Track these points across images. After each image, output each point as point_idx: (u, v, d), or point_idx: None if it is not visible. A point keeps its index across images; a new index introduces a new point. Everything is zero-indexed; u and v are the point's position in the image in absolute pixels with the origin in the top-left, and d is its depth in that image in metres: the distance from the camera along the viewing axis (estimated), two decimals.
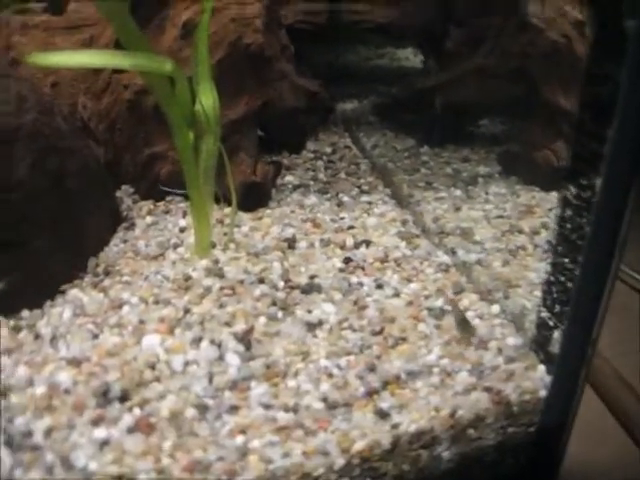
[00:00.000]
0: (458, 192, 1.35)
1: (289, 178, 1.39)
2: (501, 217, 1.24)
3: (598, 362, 1.08)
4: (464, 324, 0.91)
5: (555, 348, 0.83)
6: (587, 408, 0.86)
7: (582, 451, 0.92)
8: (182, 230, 1.18)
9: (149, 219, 1.21)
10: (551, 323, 0.83)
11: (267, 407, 0.75)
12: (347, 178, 1.41)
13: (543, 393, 0.79)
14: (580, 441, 0.89)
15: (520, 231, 1.19)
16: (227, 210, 1.20)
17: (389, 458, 0.78)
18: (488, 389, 0.79)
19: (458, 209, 1.24)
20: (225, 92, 1.07)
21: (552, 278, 0.81)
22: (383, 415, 0.77)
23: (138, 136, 1.25)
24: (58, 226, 1.00)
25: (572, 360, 0.81)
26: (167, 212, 1.24)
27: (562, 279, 0.80)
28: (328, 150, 1.54)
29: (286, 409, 0.75)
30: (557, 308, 0.81)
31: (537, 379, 0.81)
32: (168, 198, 1.27)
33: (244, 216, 1.21)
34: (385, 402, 0.79)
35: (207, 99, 1.03)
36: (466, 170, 1.45)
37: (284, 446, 0.71)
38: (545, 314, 0.84)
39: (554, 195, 1.33)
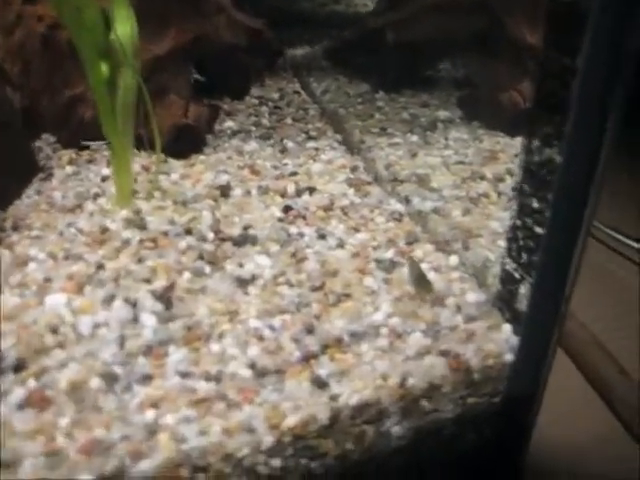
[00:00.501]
0: (415, 138, 1.24)
1: (229, 124, 1.27)
2: (462, 163, 1.14)
3: (574, 327, 0.99)
4: (420, 279, 0.81)
5: (522, 305, 0.73)
6: (561, 377, 0.78)
7: (554, 425, 0.84)
8: (105, 179, 1.06)
9: (69, 169, 1.09)
10: (517, 275, 0.71)
11: (185, 375, 0.68)
12: (293, 124, 1.30)
13: (509, 357, 0.73)
14: (553, 414, 0.81)
15: (482, 178, 1.08)
16: (154, 160, 1.06)
17: (328, 435, 0.68)
18: (445, 353, 0.72)
19: (414, 155, 1.16)
20: (148, 23, 0.95)
21: (518, 222, 0.69)
22: (321, 384, 0.69)
23: (56, 77, 1.12)
24: None
25: (542, 319, 0.71)
26: (91, 161, 1.12)
27: (529, 224, 0.68)
28: (275, 96, 1.44)
29: (207, 378, 0.68)
30: (524, 258, 0.70)
31: (502, 341, 0.74)
32: (94, 146, 1.15)
33: (175, 163, 1.10)
34: (324, 369, 0.71)
35: (123, 27, 0.90)
36: (424, 115, 1.34)
37: (201, 422, 0.63)
38: (510, 265, 0.73)
39: (520, 140, 1.17)
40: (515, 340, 0.73)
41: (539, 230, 0.68)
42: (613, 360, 0.94)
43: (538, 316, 0.70)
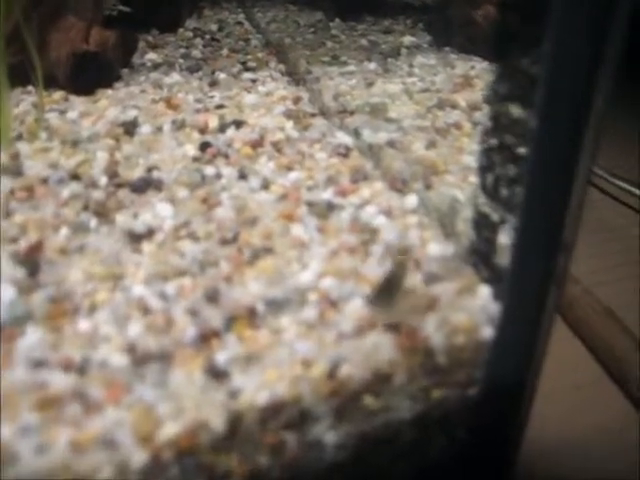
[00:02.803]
0: (373, 65, 1.06)
1: (151, 56, 1.10)
2: (427, 91, 0.96)
3: (575, 292, 0.82)
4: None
5: (505, 258, 0.53)
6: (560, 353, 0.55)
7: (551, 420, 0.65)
8: None
9: None
10: (495, 218, 0.48)
11: (37, 365, 0.51)
12: (230, 55, 1.13)
13: (488, 332, 0.54)
14: (548, 404, 0.61)
15: (454, 106, 0.89)
16: (57, 95, 0.88)
17: (230, 448, 0.49)
18: (394, 327, 0.53)
19: (370, 84, 0.97)
20: None
21: (493, 141, 0.47)
22: (218, 374, 0.50)
23: None
24: None
25: (533, 276, 0.52)
26: None
27: (509, 141, 0.46)
28: (213, 27, 1.29)
29: (67, 367, 0.51)
30: (503, 192, 0.47)
31: (477, 309, 0.56)
32: None
33: (76, 100, 0.92)
34: (225, 352, 0.52)
35: None
36: (386, 42, 1.13)
37: (45, 433, 0.47)
38: (486, 204, 0.49)
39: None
40: (496, 308, 0.55)
41: (523, 150, 0.45)
42: (625, 328, 0.72)
43: (527, 272, 0.50)
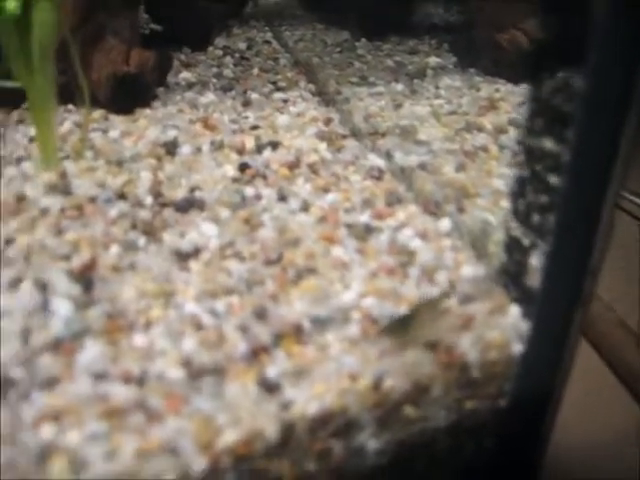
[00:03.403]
0: (400, 87, 1.09)
1: (185, 75, 1.13)
2: (455, 113, 0.99)
3: (598, 309, 0.84)
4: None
5: (534, 280, 0.58)
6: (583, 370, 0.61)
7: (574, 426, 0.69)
8: (32, 140, 0.89)
9: None
10: (526, 242, 0.52)
11: (98, 378, 0.54)
12: (260, 75, 1.16)
13: (518, 348, 0.58)
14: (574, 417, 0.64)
15: (480, 129, 0.92)
16: (96, 114, 0.93)
17: (282, 454, 0.53)
18: (433, 344, 0.57)
19: (399, 106, 1.01)
20: None
21: (525, 172, 0.51)
22: (270, 387, 0.54)
23: None
24: None
25: (561, 297, 0.56)
26: (21, 121, 0.96)
27: (541, 172, 0.50)
28: (242, 46, 1.31)
29: (126, 380, 0.54)
30: (535, 219, 0.51)
31: (508, 327, 0.60)
32: (24, 105, 0.98)
33: (116, 119, 0.95)
34: (276, 366, 0.56)
35: None
36: (412, 63, 1.18)
37: (112, 440, 0.50)
38: (517, 229, 0.55)
39: (524, 88, 1.04)
40: (525, 326, 0.59)
41: (554, 180, 0.49)
42: None
43: (555, 294, 0.54)
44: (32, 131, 0.90)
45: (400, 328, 0.58)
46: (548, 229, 0.55)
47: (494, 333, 0.58)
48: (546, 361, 0.57)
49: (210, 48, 1.27)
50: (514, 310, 0.60)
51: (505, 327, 0.59)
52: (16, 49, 0.76)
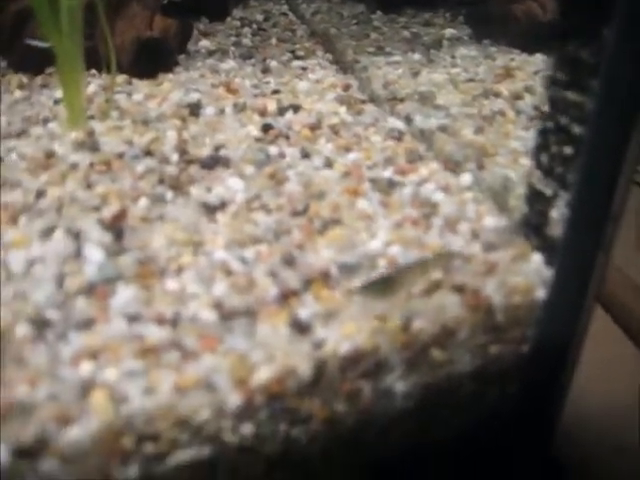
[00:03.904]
0: (417, 56, 1.11)
1: (204, 43, 1.15)
2: (472, 81, 1.01)
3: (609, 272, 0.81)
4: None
5: (555, 229, 0.59)
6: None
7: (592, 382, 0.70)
8: (57, 102, 0.91)
9: (19, 93, 0.96)
10: (549, 192, 0.54)
11: (133, 319, 0.56)
12: (278, 44, 1.18)
13: (540, 293, 0.59)
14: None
15: (497, 95, 0.95)
16: (119, 79, 0.96)
17: (313, 394, 0.55)
18: (459, 288, 0.59)
19: (416, 74, 1.03)
20: None
21: (549, 124, 0.52)
22: (302, 328, 0.55)
23: None
24: None
25: (584, 243, 0.57)
26: (45, 85, 0.98)
27: (565, 123, 0.51)
28: (259, 17, 1.33)
29: (160, 322, 0.56)
30: (558, 169, 0.54)
31: (531, 273, 0.61)
32: (49, 70, 1.01)
33: (140, 83, 0.97)
34: (306, 309, 0.57)
35: None
36: (428, 34, 1.20)
37: (149, 377, 0.51)
38: (539, 180, 0.57)
39: (539, 57, 1.11)
40: (547, 272, 0.60)
41: (578, 130, 0.51)
42: None
43: (578, 240, 0.56)
44: (57, 94, 0.92)
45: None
46: (570, 180, 0.56)
47: (517, 279, 0.60)
48: (568, 307, 0.58)
49: (228, 19, 1.29)
50: (536, 258, 0.62)
51: (528, 273, 0.61)
52: (47, 13, 0.77)
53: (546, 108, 0.58)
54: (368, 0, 1.36)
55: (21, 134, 0.84)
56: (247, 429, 0.53)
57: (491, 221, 0.66)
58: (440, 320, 0.56)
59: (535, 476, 0.67)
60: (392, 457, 0.62)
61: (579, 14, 0.55)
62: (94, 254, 0.62)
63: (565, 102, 0.56)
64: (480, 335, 0.58)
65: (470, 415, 0.63)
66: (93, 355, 0.53)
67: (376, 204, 0.69)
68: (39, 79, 1.00)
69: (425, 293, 0.58)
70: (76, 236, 0.64)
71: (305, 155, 0.77)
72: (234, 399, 0.52)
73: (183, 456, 0.52)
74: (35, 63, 1.00)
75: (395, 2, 1.32)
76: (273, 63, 1.06)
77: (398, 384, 0.57)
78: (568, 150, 0.56)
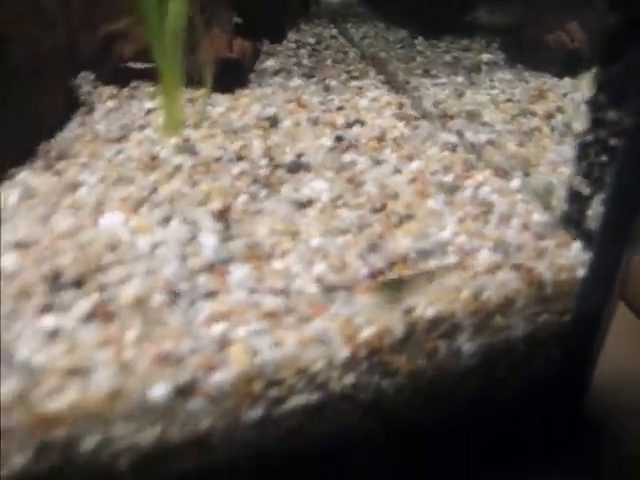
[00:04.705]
0: (460, 79, 1.24)
1: (269, 63, 1.28)
2: (510, 101, 1.14)
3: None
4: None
5: (591, 223, 0.73)
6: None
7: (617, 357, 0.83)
8: (148, 112, 1.05)
9: (111, 104, 1.08)
10: (586, 192, 0.69)
11: (251, 291, 0.66)
12: (334, 65, 1.30)
13: (581, 272, 0.71)
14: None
15: (533, 114, 1.08)
16: (200, 93, 1.08)
17: (402, 350, 0.67)
18: (517, 267, 0.71)
19: (461, 95, 1.16)
20: None
21: (589, 138, 0.66)
22: (391, 299, 0.68)
23: (95, 13, 1.12)
24: (2, 99, 0.86)
25: (616, 232, 0.70)
26: (132, 97, 1.11)
27: (602, 137, 0.65)
28: (311, 40, 1.45)
29: (274, 293, 0.66)
30: (595, 174, 0.68)
31: (572, 256, 0.73)
32: (133, 84, 1.15)
33: (220, 97, 1.10)
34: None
35: None
36: (467, 58, 1.34)
37: (274, 334, 0.62)
38: (579, 183, 0.73)
39: (568, 81, 1.24)
40: (585, 256, 0.72)
41: (614, 142, 0.66)
42: None
43: (611, 231, 0.69)
44: (146, 105, 1.07)
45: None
46: (606, 181, 0.70)
47: (562, 260, 0.73)
48: (602, 285, 0.72)
49: (284, 41, 1.41)
50: (576, 245, 0.74)
51: (570, 257, 0.73)
52: (156, 34, 0.91)
53: (580, 125, 0.72)
54: (410, 26, 1.48)
55: (121, 139, 0.96)
56: (349, 379, 0.65)
57: (538, 217, 0.79)
58: (502, 292, 0.69)
59: (571, 433, 0.79)
60: (458, 410, 0.75)
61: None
62: (208, 239, 0.72)
63: (604, 120, 0.69)
64: (533, 306, 0.70)
65: (520, 376, 0.75)
66: (222, 318, 0.62)
67: (441, 203, 0.82)
68: (125, 91, 1.13)
69: (490, 271, 0.71)
70: (191, 224, 0.75)
71: (376, 162, 0.90)
72: (343, 352, 0.63)
73: (297, 401, 0.64)
74: (122, 78, 1.14)
75: (435, 29, 1.44)
76: (333, 82, 1.18)
77: (466, 345, 0.69)
78: (604, 158, 0.70)
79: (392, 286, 0.68)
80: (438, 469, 0.73)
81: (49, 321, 0.63)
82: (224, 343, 0.60)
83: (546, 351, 0.75)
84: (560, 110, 1.10)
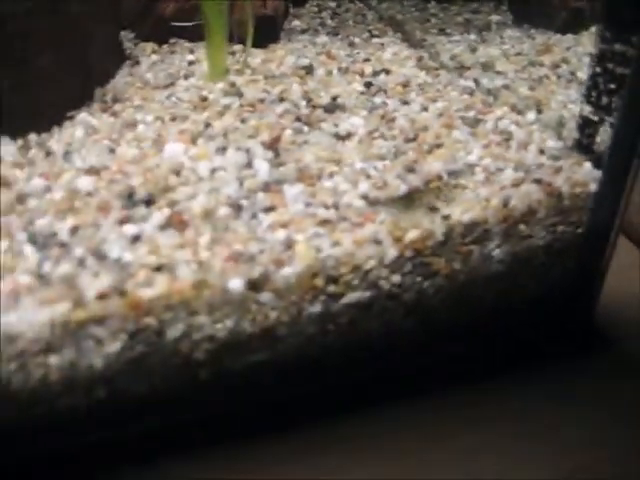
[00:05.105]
0: (472, 36, 1.35)
1: (296, 23, 1.38)
2: (519, 54, 1.24)
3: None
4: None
5: (600, 146, 0.82)
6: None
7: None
8: (191, 63, 1.15)
9: (154, 57, 1.18)
10: (595, 119, 0.79)
11: (306, 205, 0.74)
12: (355, 25, 1.39)
13: (593, 187, 0.80)
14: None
15: (541, 65, 1.19)
16: (237, 47, 1.18)
17: (441, 253, 0.76)
18: (538, 181, 0.79)
19: (474, 50, 1.26)
20: None
21: (597, 69, 0.77)
22: (432, 208, 0.77)
23: None
24: (62, 48, 0.95)
25: (624, 152, 0.79)
26: (172, 52, 1.21)
27: (610, 68, 0.75)
28: (332, 4, 1.54)
29: (326, 206, 0.74)
30: (604, 101, 0.77)
31: (585, 173, 0.81)
32: (172, 40, 1.25)
33: (255, 51, 1.18)
34: (429, 197, 0.78)
35: None
36: (477, 19, 1.46)
37: (331, 236, 0.70)
38: (589, 111, 0.82)
39: (571, 37, 1.35)
40: (597, 173, 0.80)
41: (621, 70, 0.77)
42: None
43: (619, 150, 0.79)
44: (188, 57, 1.17)
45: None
46: (613, 107, 0.80)
47: (577, 176, 0.82)
48: (611, 199, 0.81)
49: (307, 5, 1.52)
50: (587, 165, 0.82)
51: (583, 173, 0.81)
52: None
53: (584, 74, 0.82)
54: None
55: (169, 85, 1.05)
56: (396, 279, 0.74)
57: (552, 144, 0.89)
58: (526, 202, 0.78)
59: (581, 340, 0.89)
60: (484, 313, 0.85)
61: None
62: (262, 165, 0.80)
63: (611, 52, 0.79)
64: (552, 217, 0.79)
65: (539, 282, 0.85)
66: (284, 225, 0.71)
67: (466, 134, 0.91)
68: (165, 47, 1.23)
69: (514, 185, 0.80)
70: (245, 152, 0.84)
71: (404, 103, 0.99)
72: (392, 252, 0.71)
73: (351, 298, 0.73)
74: (161, 36, 1.24)
75: None
76: (356, 39, 1.28)
77: (495, 251, 0.79)
78: (612, 86, 0.80)
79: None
80: (467, 363, 0.83)
81: (130, 229, 0.72)
82: (289, 243, 0.68)
83: (562, 260, 0.84)
84: (565, 61, 1.19)
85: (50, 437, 0.69)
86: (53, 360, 0.64)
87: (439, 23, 1.42)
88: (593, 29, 1.30)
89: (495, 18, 1.44)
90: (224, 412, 0.75)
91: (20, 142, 0.88)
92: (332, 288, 0.70)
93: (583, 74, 1.06)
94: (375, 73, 1.11)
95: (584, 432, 0.77)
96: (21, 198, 0.76)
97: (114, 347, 0.66)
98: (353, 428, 0.76)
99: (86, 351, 0.65)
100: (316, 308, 0.71)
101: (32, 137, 0.89)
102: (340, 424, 0.76)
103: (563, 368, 0.85)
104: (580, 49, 1.25)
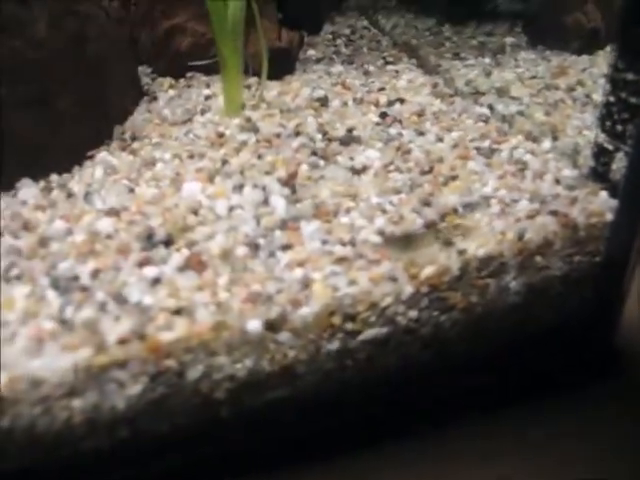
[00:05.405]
0: (487, 60, 1.35)
1: (311, 52, 1.39)
2: (534, 78, 1.24)
3: None
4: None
5: (616, 174, 0.82)
6: None
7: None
8: (207, 98, 1.16)
9: (171, 92, 1.19)
10: (611, 147, 0.79)
11: (322, 242, 0.75)
12: (370, 52, 1.40)
13: (609, 216, 0.79)
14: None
15: (556, 88, 1.19)
16: (252, 80, 1.20)
17: (457, 287, 0.76)
18: (553, 213, 0.79)
19: (489, 74, 1.26)
20: None
21: (611, 98, 0.77)
22: (448, 243, 0.77)
23: (155, 9, 1.23)
24: (81, 89, 0.97)
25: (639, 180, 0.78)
26: (189, 86, 1.22)
27: (624, 97, 0.76)
28: (346, 31, 1.55)
29: (343, 243, 0.75)
30: (618, 130, 0.78)
31: (601, 203, 0.81)
32: (188, 74, 1.26)
33: (270, 83, 1.19)
34: (447, 231, 0.79)
35: None
36: (492, 42, 1.45)
37: (348, 275, 0.71)
38: (604, 140, 0.82)
39: (586, 58, 1.35)
40: (613, 202, 0.79)
41: (634, 100, 0.76)
42: None
43: (635, 178, 0.79)
44: (205, 91, 1.18)
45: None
46: (630, 135, 0.80)
47: (592, 206, 0.82)
48: (628, 228, 0.80)
49: (321, 33, 1.52)
50: (603, 194, 0.81)
51: (599, 203, 0.80)
52: (220, 24, 1.02)
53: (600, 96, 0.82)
54: (438, 14, 1.59)
55: (186, 121, 1.06)
56: (412, 314, 0.74)
57: (568, 172, 0.88)
58: (542, 234, 0.78)
59: (601, 364, 0.88)
60: (501, 343, 0.84)
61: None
62: (279, 202, 0.81)
63: (624, 81, 0.79)
64: (568, 247, 0.79)
65: (556, 312, 0.85)
66: (301, 264, 0.71)
67: (482, 164, 0.91)
68: (182, 82, 1.24)
69: (530, 217, 0.81)
70: (262, 190, 0.85)
71: (419, 133, 1.00)
72: (408, 289, 0.71)
73: (368, 335, 0.73)
74: (178, 70, 1.26)
75: (460, 16, 1.55)
76: (371, 67, 1.28)
77: (512, 283, 0.78)
78: (626, 115, 0.80)
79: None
80: (483, 394, 0.82)
81: (150, 272, 0.73)
82: (306, 282, 0.69)
83: (579, 290, 0.84)
84: (580, 83, 1.19)
85: (75, 477, 0.69)
86: (77, 403, 0.65)
87: (453, 47, 1.42)
88: (608, 48, 1.29)
89: (509, 40, 1.44)
90: (244, 449, 0.75)
91: (42, 183, 0.90)
92: (349, 325, 0.70)
93: (598, 96, 1.06)
94: (390, 103, 1.11)
95: (602, 465, 0.76)
96: (43, 242, 0.77)
97: (135, 389, 0.67)
98: (370, 462, 0.75)
99: (108, 394, 0.66)
100: (334, 345, 0.71)
101: (54, 177, 0.91)
102: (358, 458, 0.75)
103: (580, 397, 0.84)
104: (595, 70, 1.24)
